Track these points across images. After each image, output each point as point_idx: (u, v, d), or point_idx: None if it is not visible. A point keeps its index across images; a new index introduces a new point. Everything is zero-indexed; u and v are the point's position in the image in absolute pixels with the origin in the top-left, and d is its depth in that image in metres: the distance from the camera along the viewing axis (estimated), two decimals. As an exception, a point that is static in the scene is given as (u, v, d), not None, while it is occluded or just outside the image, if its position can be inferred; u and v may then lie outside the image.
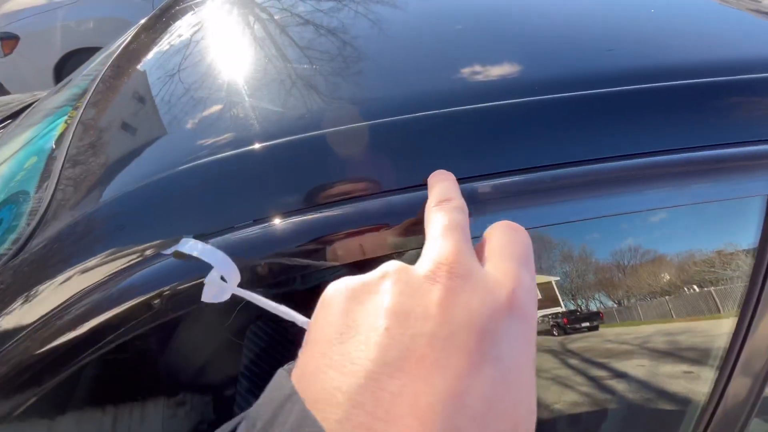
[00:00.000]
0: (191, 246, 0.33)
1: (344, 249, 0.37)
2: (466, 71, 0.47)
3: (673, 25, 0.59)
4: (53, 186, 0.49)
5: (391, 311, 0.20)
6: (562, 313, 0.47)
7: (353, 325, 0.21)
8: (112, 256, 0.38)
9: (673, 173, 0.41)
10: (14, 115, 1.27)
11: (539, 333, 0.47)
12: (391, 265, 0.23)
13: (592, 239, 0.45)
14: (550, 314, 0.47)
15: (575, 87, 0.43)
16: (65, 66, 2.92)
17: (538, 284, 0.46)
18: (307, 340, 0.22)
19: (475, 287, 0.21)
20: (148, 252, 0.37)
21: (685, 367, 0.51)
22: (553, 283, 0.47)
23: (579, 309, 0.48)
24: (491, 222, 0.40)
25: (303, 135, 0.40)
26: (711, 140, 0.43)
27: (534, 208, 0.39)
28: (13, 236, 0.49)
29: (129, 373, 0.50)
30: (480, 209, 0.37)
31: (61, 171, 0.52)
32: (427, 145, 0.40)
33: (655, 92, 0.44)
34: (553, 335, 0.48)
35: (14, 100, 1.46)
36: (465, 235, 0.25)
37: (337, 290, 0.23)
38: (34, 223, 0.45)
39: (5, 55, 2.85)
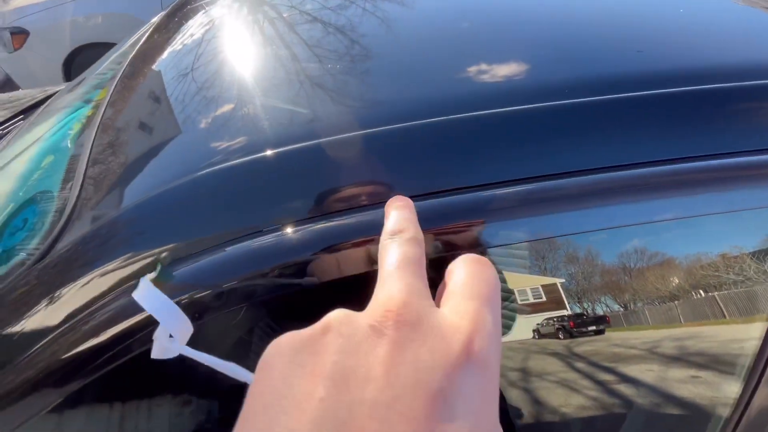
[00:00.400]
0: (144, 296, 0.31)
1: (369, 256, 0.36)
2: (482, 76, 0.47)
3: (702, 26, 0.58)
4: (78, 186, 0.50)
5: (329, 375, 0.17)
6: (568, 316, 0.47)
7: (287, 395, 0.17)
8: (135, 261, 0.39)
9: (699, 180, 0.41)
10: (26, 111, 1.28)
11: (545, 336, 0.47)
12: (334, 316, 0.20)
13: (598, 240, 0.44)
14: (555, 317, 0.47)
15: (596, 91, 0.43)
16: (74, 61, 2.94)
17: (543, 286, 0.46)
18: (239, 416, 0.18)
19: (425, 336, 0.19)
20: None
21: (706, 375, 0.50)
22: (558, 285, 0.46)
23: (585, 312, 0.47)
24: (507, 231, 0.41)
25: (331, 138, 0.40)
26: (737, 147, 0.42)
27: (544, 217, 0.39)
28: (40, 235, 0.50)
29: (137, 370, 0.51)
30: (496, 217, 0.38)
31: (85, 171, 0.52)
32: (457, 149, 0.40)
33: (678, 97, 0.43)
34: (559, 338, 0.47)
35: (26, 95, 1.47)
36: (418, 271, 0.23)
37: (277, 350, 0.19)
38: (60, 224, 0.46)
39: (15, 49, 2.88)
